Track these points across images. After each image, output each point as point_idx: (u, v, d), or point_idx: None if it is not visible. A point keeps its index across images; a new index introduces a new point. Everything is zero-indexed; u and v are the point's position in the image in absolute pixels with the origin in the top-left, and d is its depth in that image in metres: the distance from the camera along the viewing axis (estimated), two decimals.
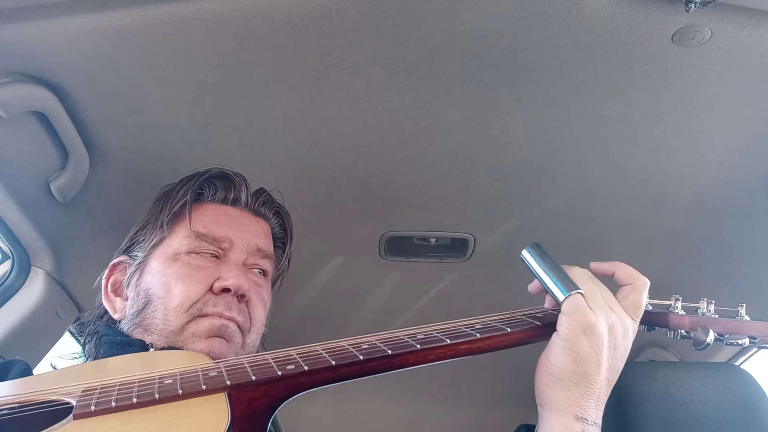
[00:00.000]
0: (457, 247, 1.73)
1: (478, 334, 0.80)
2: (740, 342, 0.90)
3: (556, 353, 0.80)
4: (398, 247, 1.73)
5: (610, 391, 0.82)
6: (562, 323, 0.81)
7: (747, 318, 0.92)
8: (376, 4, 1.00)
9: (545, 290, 0.90)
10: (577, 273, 0.88)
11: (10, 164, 1.19)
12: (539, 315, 0.88)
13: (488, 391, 2.40)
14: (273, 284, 1.19)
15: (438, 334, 0.79)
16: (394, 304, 1.94)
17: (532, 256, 0.93)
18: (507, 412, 2.45)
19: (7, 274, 1.36)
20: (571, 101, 1.22)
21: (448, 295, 1.89)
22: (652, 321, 0.96)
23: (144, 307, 1.00)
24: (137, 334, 0.99)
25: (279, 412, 0.77)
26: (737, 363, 1.99)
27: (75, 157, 1.25)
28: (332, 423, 2.44)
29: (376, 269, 1.80)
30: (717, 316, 0.94)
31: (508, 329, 0.83)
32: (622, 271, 0.91)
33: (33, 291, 1.37)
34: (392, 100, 1.22)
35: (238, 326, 1.01)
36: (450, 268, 1.81)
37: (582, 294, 0.84)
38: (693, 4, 0.93)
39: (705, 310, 0.95)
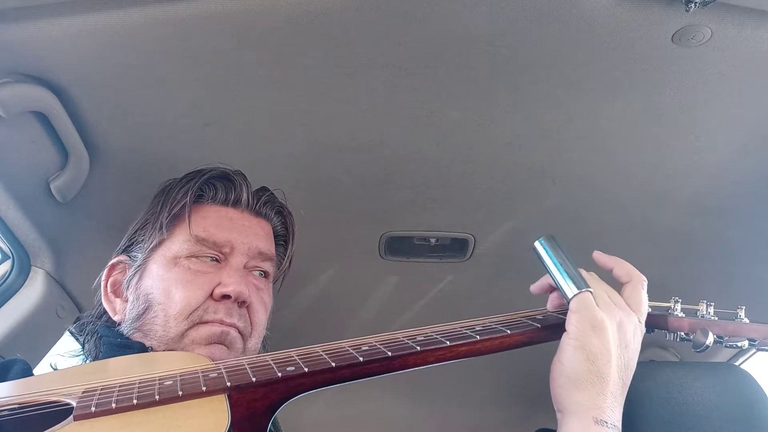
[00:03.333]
0: (457, 247, 1.73)
1: (477, 336, 0.80)
2: (739, 344, 0.90)
3: (567, 353, 0.80)
4: (398, 247, 1.73)
5: (625, 392, 0.82)
6: (571, 321, 0.82)
7: (746, 320, 0.93)
8: (376, 4, 1.00)
9: (553, 286, 0.90)
10: (582, 274, 0.88)
11: (10, 164, 1.19)
12: (539, 317, 0.89)
13: (490, 391, 2.40)
14: (274, 283, 1.18)
15: (438, 336, 0.79)
16: (394, 304, 1.94)
17: (544, 248, 0.92)
18: (509, 411, 2.45)
19: (7, 274, 1.36)
20: (571, 101, 1.22)
21: (448, 295, 1.89)
22: (651, 323, 0.96)
23: (144, 312, 1.00)
24: (137, 338, 0.99)
25: (279, 412, 0.77)
26: (737, 363, 1.99)
27: (75, 157, 1.25)
28: (333, 423, 2.44)
29: (376, 269, 1.80)
30: (716, 318, 0.94)
31: (508, 331, 0.83)
32: (621, 268, 0.92)
33: (33, 291, 1.37)
34: (392, 100, 1.22)
35: (239, 332, 1.00)
36: (450, 268, 1.81)
37: (591, 292, 0.84)
38: (693, 4, 0.93)
39: (704, 312, 0.95)
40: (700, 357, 2.00)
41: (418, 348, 0.76)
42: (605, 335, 0.80)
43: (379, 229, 1.66)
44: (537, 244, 0.92)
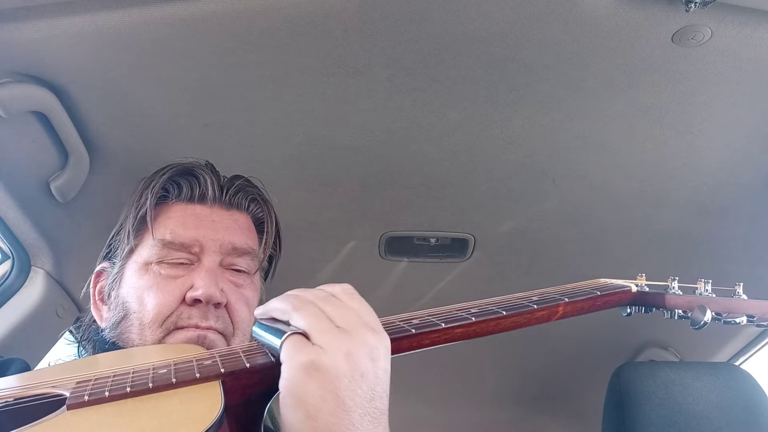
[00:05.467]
0: (457, 247, 1.73)
1: (473, 318, 0.80)
2: (738, 321, 0.88)
3: (285, 416, 0.62)
4: (398, 247, 1.73)
5: (381, 423, 0.64)
6: (282, 375, 0.63)
7: (744, 297, 0.91)
8: (376, 4, 1.00)
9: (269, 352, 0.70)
10: (299, 302, 0.69)
11: (10, 164, 1.20)
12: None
13: (490, 391, 2.40)
14: (267, 273, 1.15)
15: (434, 319, 0.79)
16: (394, 304, 1.94)
17: (254, 325, 0.75)
18: (509, 411, 2.45)
19: (7, 274, 1.36)
20: (571, 101, 1.22)
21: (448, 295, 1.89)
22: (648, 302, 0.95)
23: (122, 320, 0.98)
24: (120, 345, 0.97)
25: (278, 411, 0.76)
26: (737, 363, 1.99)
27: (75, 157, 1.26)
28: None
29: (376, 269, 1.80)
30: (714, 295, 0.93)
31: (501, 313, 0.82)
32: (286, 303, 0.71)
33: (33, 291, 1.37)
34: (392, 100, 1.22)
35: (220, 333, 0.96)
36: (450, 268, 1.81)
37: (300, 332, 0.65)
38: (693, 4, 0.93)
39: (702, 290, 0.94)
40: (700, 357, 2.00)
41: (414, 331, 0.75)
42: (324, 377, 0.61)
43: (379, 229, 1.66)
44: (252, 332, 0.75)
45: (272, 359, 0.68)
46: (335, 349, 0.63)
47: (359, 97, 1.21)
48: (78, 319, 1.52)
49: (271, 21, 1.03)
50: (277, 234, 1.13)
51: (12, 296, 1.34)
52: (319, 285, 0.74)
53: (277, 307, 0.71)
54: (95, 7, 0.99)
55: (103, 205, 1.42)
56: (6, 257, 1.38)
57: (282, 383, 0.63)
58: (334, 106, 1.24)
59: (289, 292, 0.73)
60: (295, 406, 0.61)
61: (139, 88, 1.18)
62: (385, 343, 0.68)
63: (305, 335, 0.65)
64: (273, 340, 0.67)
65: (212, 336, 0.96)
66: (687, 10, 0.95)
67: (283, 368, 0.64)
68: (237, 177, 1.10)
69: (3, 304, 1.32)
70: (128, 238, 1.01)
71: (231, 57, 1.10)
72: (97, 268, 1.09)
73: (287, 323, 0.68)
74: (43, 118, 1.16)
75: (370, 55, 1.11)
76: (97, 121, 1.24)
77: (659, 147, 1.34)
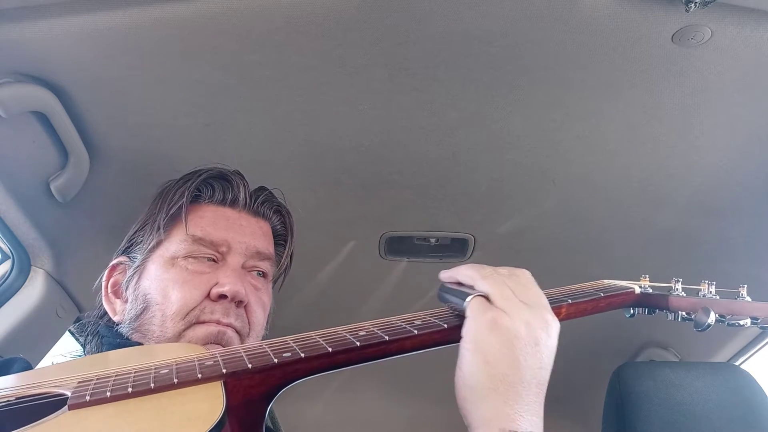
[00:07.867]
0: (457, 247, 1.73)
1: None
2: (741, 323, 0.88)
3: (465, 359, 0.72)
4: (398, 247, 1.73)
5: (543, 394, 0.72)
6: (467, 326, 0.74)
7: (748, 299, 0.91)
8: (376, 3, 1.00)
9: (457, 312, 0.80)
10: (485, 272, 0.79)
11: (10, 164, 1.20)
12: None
13: None
14: (275, 283, 1.18)
15: (435, 320, 0.79)
16: (394, 304, 1.94)
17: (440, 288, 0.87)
18: None
19: (7, 274, 1.36)
20: (571, 101, 1.22)
21: None
22: (652, 303, 0.95)
23: (142, 312, 1.00)
24: (136, 338, 0.99)
25: (279, 412, 0.77)
26: (737, 363, 1.99)
27: (75, 157, 1.26)
28: (332, 423, 2.44)
29: (376, 269, 1.80)
30: (718, 297, 0.93)
31: None
32: (476, 272, 0.82)
33: (33, 291, 1.37)
34: (392, 100, 1.22)
35: (237, 331, 1.00)
36: (450, 268, 1.80)
37: (483, 295, 0.76)
38: (693, 4, 0.93)
39: (706, 292, 0.94)
40: (700, 357, 2.00)
41: (416, 332, 0.76)
42: (504, 333, 0.71)
43: (379, 229, 1.66)
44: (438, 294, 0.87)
45: (274, 361, 0.70)
46: (516, 315, 0.73)
47: (359, 97, 1.21)
48: (78, 318, 1.52)
49: (271, 21, 1.03)
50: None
51: (12, 296, 1.34)
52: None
53: (465, 272, 0.82)
54: (95, 7, 0.99)
55: (103, 205, 1.42)
56: (6, 257, 1.38)
57: (466, 331, 0.73)
58: (334, 106, 1.24)
59: (475, 264, 0.83)
60: (476, 350, 0.71)
61: (139, 88, 1.18)
62: (557, 324, 0.77)
63: (487, 299, 0.75)
64: (459, 300, 0.77)
65: (231, 333, 0.99)
66: (687, 10, 0.95)
67: (467, 322, 0.74)
68: (263, 188, 1.17)
69: (3, 304, 1.32)
70: (157, 232, 1.05)
71: (231, 57, 1.10)
72: (113, 261, 1.11)
73: (471, 288, 0.78)
74: (43, 118, 1.16)
75: (370, 55, 1.11)
76: (97, 121, 1.24)
77: (659, 147, 1.34)
